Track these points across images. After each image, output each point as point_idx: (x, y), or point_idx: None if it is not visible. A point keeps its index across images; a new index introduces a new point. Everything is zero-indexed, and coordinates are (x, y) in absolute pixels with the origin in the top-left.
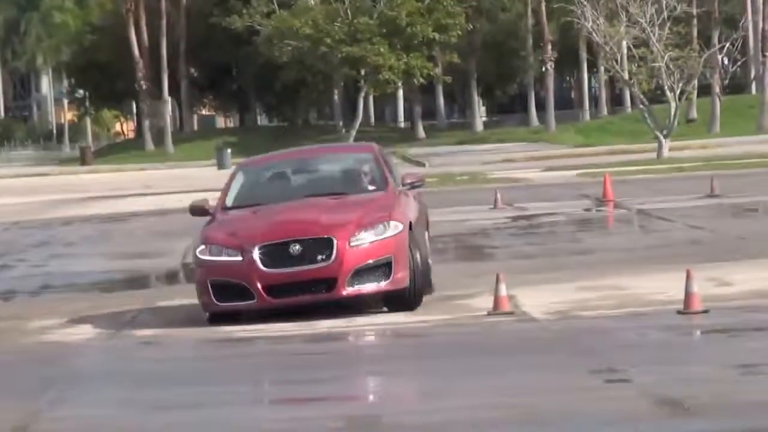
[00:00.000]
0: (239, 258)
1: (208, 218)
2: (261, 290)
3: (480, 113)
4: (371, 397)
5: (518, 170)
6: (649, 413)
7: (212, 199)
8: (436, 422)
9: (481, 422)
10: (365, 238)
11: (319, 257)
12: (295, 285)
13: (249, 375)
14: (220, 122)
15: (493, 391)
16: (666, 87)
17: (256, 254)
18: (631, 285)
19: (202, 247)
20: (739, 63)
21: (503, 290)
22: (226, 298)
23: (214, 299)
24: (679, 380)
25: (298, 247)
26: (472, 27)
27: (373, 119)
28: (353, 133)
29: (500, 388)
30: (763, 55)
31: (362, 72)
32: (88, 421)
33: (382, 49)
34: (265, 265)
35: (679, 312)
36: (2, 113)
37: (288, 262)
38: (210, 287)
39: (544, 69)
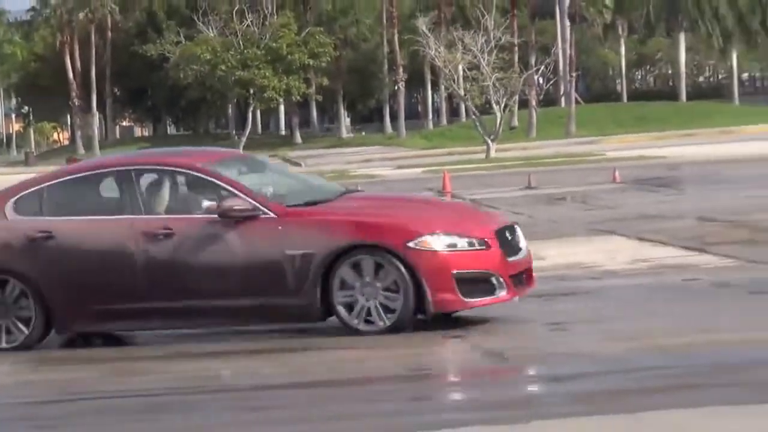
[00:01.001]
0: (483, 247)
1: None
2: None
3: (345, 123)
4: None
5: (375, 168)
6: (479, 361)
7: None
8: None
9: None
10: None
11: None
12: (517, 276)
13: None
14: (138, 132)
15: None
16: (493, 101)
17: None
18: None
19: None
20: (551, 81)
21: None
22: (473, 294)
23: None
24: (503, 335)
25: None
26: (339, 54)
27: (260, 128)
28: (243, 139)
29: None
30: (570, 75)
31: (251, 91)
32: None
33: (267, 73)
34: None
35: None
36: None
37: (511, 251)
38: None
39: (396, 87)
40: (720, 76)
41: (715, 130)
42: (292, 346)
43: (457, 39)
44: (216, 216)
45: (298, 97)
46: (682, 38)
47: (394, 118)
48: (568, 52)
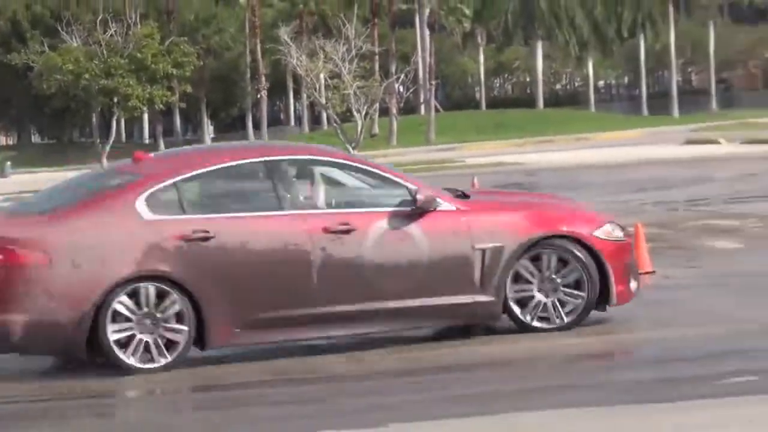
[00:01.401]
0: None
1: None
2: None
3: (209, 131)
4: None
5: None
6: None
7: None
8: None
9: None
10: None
11: None
12: None
13: None
14: (2, 140)
15: None
16: (354, 109)
17: None
18: None
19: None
20: (411, 90)
21: None
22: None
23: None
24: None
25: None
26: (202, 63)
27: (124, 136)
28: (107, 148)
29: None
30: (430, 84)
31: (115, 100)
32: None
33: (131, 82)
34: None
35: None
36: None
37: None
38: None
39: (259, 96)
40: (576, 84)
41: (571, 136)
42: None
43: (318, 48)
44: (396, 210)
45: (162, 106)
46: (539, 47)
47: (256, 126)
48: (428, 60)
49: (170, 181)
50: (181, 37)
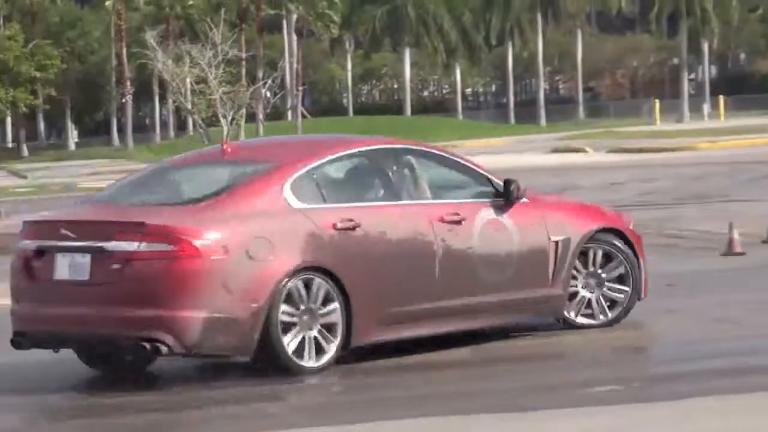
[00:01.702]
0: None
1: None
2: None
3: (73, 136)
4: None
5: (102, 181)
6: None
7: None
8: None
9: None
10: None
11: None
12: None
13: None
14: None
15: None
16: (220, 114)
17: None
18: None
19: None
20: (278, 95)
21: None
22: None
23: None
24: None
25: None
26: (67, 67)
27: None
28: None
29: None
30: (297, 89)
31: None
32: None
33: None
34: None
35: None
36: None
37: None
38: None
39: (123, 100)
40: (444, 91)
41: (439, 143)
42: None
43: (185, 52)
44: (491, 201)
45: (25, 109)
46: (407, 53)
47: (121, 130)
48: (295, 66)
49: (307, 168)
50: (45, 39)
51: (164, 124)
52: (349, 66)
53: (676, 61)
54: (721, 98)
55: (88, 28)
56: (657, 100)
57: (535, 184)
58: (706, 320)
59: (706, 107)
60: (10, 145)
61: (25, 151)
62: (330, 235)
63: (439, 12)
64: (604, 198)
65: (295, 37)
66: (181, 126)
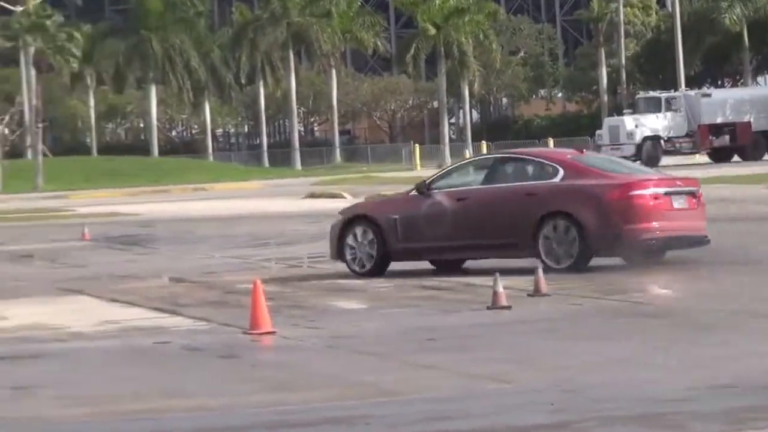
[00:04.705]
0: None
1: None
2: None
3: None
4: None
5: None
6: None
7: None
8: None
9: None
10: None
11: None
12: None
13: None
14: None
15: None
16: None
17: None
18: None
19: None
20: (17, 132)
21: None
22: None
23: None
24: None
25: None
26: None
27: None
28: None
29: None
30: (37, 126)
31: None
32: None
33: None
34: None
35: None
36: None
37: None
38: None
39: None
40: (194, 131)
41: (188, 186)
42: None
43: None
44: None
45: None
46: (153, 90)
47: None
48: (34, 102)
49: None
50: None
51: None
52: (92, 102)
53: (436, 104)
54: (484, 143)
55: None
56: (417, 145)
57: (288, 231)
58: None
59: (468, 152)
60: None
61: None
62: None
63: (185, 47)
64: None
65: (33, 71)
66: None
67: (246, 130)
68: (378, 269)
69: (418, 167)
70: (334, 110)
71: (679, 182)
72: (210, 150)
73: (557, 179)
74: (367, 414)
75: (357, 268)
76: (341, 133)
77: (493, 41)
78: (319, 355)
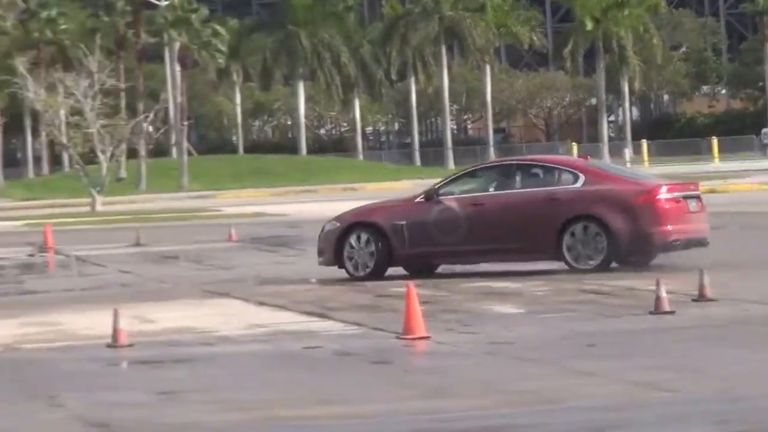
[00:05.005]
0: None
1: None
2: None
3: None
4: None
5: None
6: None
7: None
8: None
9: None
10: None
11: None
12: None
13: None
14: None
15: None
16: (98, 150)
17: None
18: (68, 321)
19: None
20: (161, 130)
21: None
22: None
23: None
24: (108, 405)
25: None
26: None
27: None
28: None
29: None
30: (182, 124)
31: None
32: None
33: None
34: None
35: (108, 345)
36: None
37: None
38: None
39: None
40: (342, 129)
41: (338, 185)
42: None
43: (58, 81)
44: None
45: None
46: (301, 87)
47: None
48: (179, 98)
49: None
50: None
51: (37, 159)
52: (238, 100)
53: (594, 101)
54: (644, 143)
55: None
56: (574, 143)
57: None
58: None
59: (628, 152)
60: None
61: None
62: None
63: (335, 42)
64: None
65: (178, 67)
66: (56, 161)
67: (396, 128)
68: (377, 273)
69: None
70: (488, 107)
71: (692, 186)
72: (359, 149)
73: (578, 184)
74: (528, 423)
75: (355, 272)
76: (495, 131)
77: (654, 35)
78: (475, 361)
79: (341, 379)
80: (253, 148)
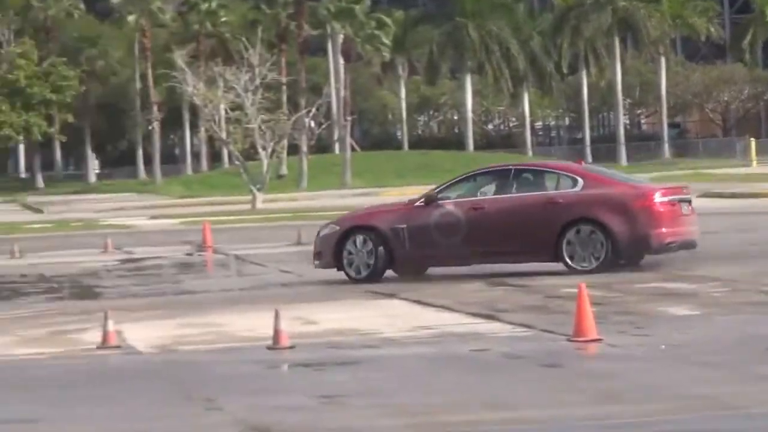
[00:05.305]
0: None
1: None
2: None
3: (93, 166)
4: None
5: (128, 218)
6: None
7: None
8: None
9: None
10: None
11: None
12: None
13: None
14: None
15: (104, 418)
16: (259, 146)
17: None
18: (227, 322)
19: None
20: (324, 125)
21: (111, 326)
22: None
23: None
24: (268, 408)
25: None
26: (85, 89)
27: None
28: None
29: (109, 416)
30: (345, 119)
31: None
32: None
33: (3, 108)
34: None
35: (268, 347)
36: None
37: None
38: None
39: (150, 127)
40: (511, 124)
41: None
42: None
43: (218, 75)
44: None
45: (40, 137)
46: (468, 80)
47: (148, 161)
48: (342, 93)
49: None
50: (61, 58)
51: (195, 155)
52: (403, 94)
53: None
54: None
55: (109, 46)
56: (753, 139)
57: None
58: None
59: None
60: (23, 175)
61: (41, 183)
62: None
63: (504, 34)
64: (690, 250)
65: (341, 61)
66: (215, 158)
67: (567, 123)
68: (375, 275)
69: (754, 163)
70: (663, 102)
71: (683, 190)
72: (528, 144)
73: (578, 188)
74: (708, 429)
75: (356, 275)
76: (670, 126)
77: None
78: (649, 365)
79: (509, 383)
80: (417, 143)
